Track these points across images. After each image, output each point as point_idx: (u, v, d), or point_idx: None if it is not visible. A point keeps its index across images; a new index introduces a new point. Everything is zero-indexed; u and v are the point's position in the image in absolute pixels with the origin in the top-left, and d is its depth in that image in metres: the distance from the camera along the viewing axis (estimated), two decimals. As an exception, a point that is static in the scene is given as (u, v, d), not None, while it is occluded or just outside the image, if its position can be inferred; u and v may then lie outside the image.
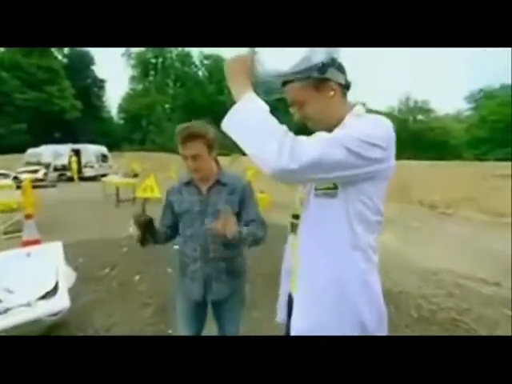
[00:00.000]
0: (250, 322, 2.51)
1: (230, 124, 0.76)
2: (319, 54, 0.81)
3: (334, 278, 0.85)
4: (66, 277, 2.63)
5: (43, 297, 2.41)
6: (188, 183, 1.41)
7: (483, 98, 31.78)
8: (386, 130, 0.79)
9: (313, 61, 0.81)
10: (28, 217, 4.14)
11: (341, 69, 0.87)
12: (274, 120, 0.72)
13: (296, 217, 1.01)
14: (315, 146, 0.70)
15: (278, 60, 0.84)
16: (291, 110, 0.92)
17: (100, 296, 2.99)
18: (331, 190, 0.85)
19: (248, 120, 0.72)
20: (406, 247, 4.72)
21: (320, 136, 0.74)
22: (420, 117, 40.79)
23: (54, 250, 2.79)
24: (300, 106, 0.89)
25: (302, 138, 0.72)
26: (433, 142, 33.80)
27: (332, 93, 0.86)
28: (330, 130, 0.88)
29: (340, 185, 0.83)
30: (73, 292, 2.94)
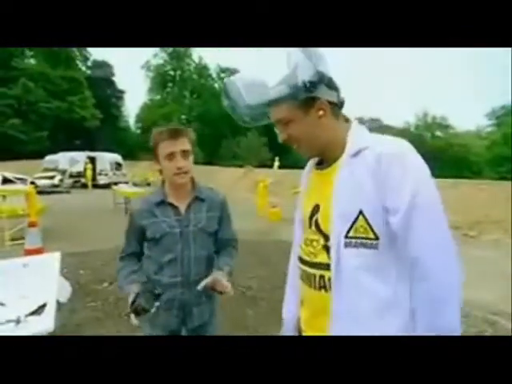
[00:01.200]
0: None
1: None
2: (306, 70, 0.71)
3: None
4: (62, 291, 2.50)
5: (33, 312, 2.27)
6: (161, 203, 1.22)
7: (506, 115, 30.75)
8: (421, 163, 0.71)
9: (299, 78, 0.71)
10: (31, 225, 4.08)
11: (331, 85, 0.76)
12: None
13: (307, 264, 0.82)
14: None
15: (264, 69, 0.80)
16: (276, 129, 0.81)
17: (94, 314, 2.83)
18: (370, 240, 0.70)
19: None
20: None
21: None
22: (438, 133, 39.80)
23: (51, 262, 2.67)
24: (285, 126, 0.78)
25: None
26: (452, 160, 32.75)
27: (321, 112, 0.76)
28: (317, 154, 0.84)
29: (384, 235, 0.70)
30: (66, 307, 2.80)
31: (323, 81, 0.73)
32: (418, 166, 0.69)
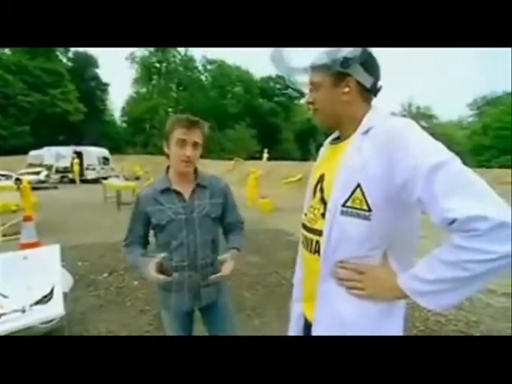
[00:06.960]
0: (251, 329, 2.47)
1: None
2: (349, 48, 0.77)
3: (364, 323, 0.77)
4: (64, 281, 2.57)
5: (38, 302, 2.35)
6: (166, 190, 1.26)
7: (486, 105, 31.68)
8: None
9: (339, 53, 0.78)
10: (27, 219, 4.08)
11: (369, 70, 0.80)
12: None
13: (307, 229, 0.89)
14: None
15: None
16: (308, 90, 0.89)
17: (97, 302, 2.92)
18: (363, 211, 0.74)
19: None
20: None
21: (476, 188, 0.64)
22: (423, 123, 40.68)
23: (51, 254, 2.73)
24: (315, 90, 0.85)
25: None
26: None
27: (346, 89, 0.80)
28: (332, 126, 0.90)
29: (378, 209, 0.72)
30: (70, 297, 2.88)
31: (360, 61, 0.77)
32: (420, 138, 0.71)
